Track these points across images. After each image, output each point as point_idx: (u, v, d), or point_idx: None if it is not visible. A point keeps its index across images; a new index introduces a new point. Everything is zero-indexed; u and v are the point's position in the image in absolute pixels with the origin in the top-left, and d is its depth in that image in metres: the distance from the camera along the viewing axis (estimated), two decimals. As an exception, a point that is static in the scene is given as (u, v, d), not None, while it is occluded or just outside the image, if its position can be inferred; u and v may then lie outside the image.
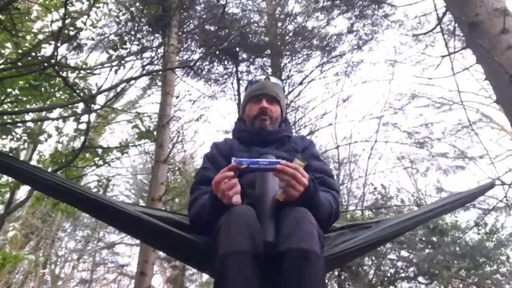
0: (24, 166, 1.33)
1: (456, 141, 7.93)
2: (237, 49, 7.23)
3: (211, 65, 7.56)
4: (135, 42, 6.10)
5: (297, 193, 1.18)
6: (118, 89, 4.66)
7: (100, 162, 5.42)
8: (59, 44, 3.43)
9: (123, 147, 5.68)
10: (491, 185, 1.61)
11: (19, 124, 4.62)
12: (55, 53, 3.31)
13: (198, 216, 1.33)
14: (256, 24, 7.97)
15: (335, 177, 1.54)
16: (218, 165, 1.39)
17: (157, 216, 1.40)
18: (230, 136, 1.78)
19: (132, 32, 6.04)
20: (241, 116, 1.75)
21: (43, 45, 4.30)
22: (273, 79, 1.71)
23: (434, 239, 6.21)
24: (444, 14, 3.35)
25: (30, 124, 5.16)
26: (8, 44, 4.59)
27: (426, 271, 5.96)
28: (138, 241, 9.61)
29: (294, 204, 1.19)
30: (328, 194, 1.37)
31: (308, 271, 1.03)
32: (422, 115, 8.21)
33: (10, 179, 5.70)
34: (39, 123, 6.96)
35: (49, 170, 5.14)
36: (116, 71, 4.23)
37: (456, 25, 3.06)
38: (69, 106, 4.71)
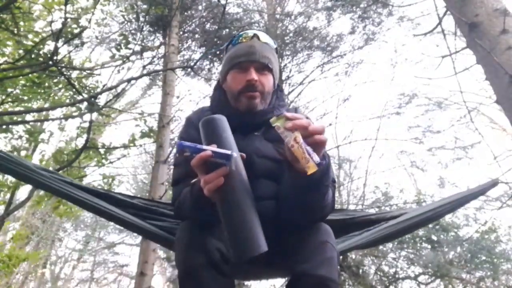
0: (22, 165, 1.36)
1: (456, 133, 7.91)
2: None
3: (211, 65, 7.58)
4: (138, 42, 6.10)
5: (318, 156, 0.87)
6: (119, 89, 4.67)
7: (103, 161, 5.43)
8: (60, 44, 3.45)
9: (127, 146, 5.69)
10: (493, 184, 1.61)
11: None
12: (56, 52, 3.32)
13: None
14: (256, 24, 7.98)
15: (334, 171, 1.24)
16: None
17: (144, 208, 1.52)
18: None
19: (134, 32, 6.05)
20: (220, 84, 1.35)
21: (46, 43, 4.30)
22: (263, 37, 1.28)
23: (434, 238, 6.21)
24: (445, 14, 3.36)
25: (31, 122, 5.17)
26: (9, 43, 4.60)
27: (429, 270, 5.97)
28: (138, 241, 9.62)
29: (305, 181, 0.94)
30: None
31: None
32: (423, 114, 8.19)
33: (10, 178, 5.71)
34: (39, 123, 6.97)
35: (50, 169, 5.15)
36: (119, 71, 4.26)
37: (456, 25, 3.07)
38: (72, 105, 4.72)
